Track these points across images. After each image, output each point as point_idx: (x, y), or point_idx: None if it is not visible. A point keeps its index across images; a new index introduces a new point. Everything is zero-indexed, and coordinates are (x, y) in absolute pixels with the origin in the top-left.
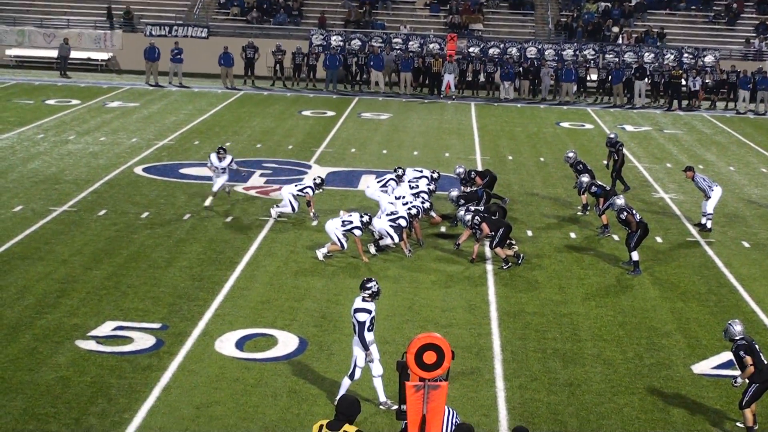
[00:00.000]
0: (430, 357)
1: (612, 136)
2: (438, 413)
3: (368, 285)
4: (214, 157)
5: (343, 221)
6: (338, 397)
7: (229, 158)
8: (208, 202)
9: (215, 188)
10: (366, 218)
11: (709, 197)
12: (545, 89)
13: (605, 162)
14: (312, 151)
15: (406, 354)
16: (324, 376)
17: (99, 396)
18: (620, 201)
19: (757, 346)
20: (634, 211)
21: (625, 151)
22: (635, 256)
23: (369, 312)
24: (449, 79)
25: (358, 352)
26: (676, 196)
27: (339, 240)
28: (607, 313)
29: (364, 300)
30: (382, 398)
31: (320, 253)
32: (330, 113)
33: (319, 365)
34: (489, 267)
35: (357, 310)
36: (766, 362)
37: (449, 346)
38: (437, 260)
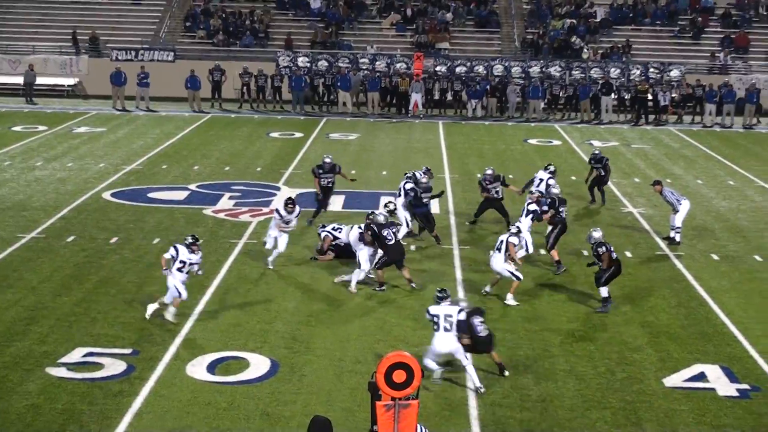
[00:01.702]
0: (399, 376)
1: (596, 152)
2: None
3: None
4: (282, 209)
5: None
6: (311, 419)
7: (298, 209)
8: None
9: (282, 247)
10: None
11: (677, 211)
12: (512, 106)
13: (587, 178)
14: (281, 173)
15: (376, 374)
16: (296, 397)
17: (70, 423)
18: (597, 234)
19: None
20: (611, 248)
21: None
22: (604, 292)
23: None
24: (416, 98)
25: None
26: (644, 210)
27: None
28: (578, 328)
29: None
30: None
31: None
32: (298, 134)
33: (291, 387)
34: (459, 286)
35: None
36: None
37: (419, 365)
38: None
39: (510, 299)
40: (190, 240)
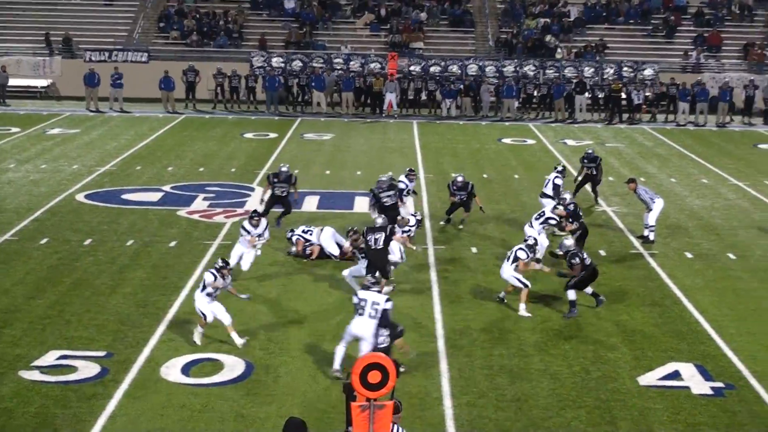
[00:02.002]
0: (374, 377)
1: (590, 151)
2: None
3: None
4: (247, 224)
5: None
6: (285, 421)
7: (264, 222)
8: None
9: (246, 266)
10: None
11: (651, 209)
12: (486, 106)
13: (578, 177)
14: (255, 174)
15: (351, 374)
16: (271, 399)
17: (44, 427)
18: (568, 242)
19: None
20: (584, 256)
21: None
22: (572, 295)
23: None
24: (391, 98)
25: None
26: (618, 208)
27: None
28: (553, 327)
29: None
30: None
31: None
32: (272, 135)
33: (265, 388)
34: (434, 286)
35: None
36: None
37: (394, 365)
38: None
39: (522, 310)
40: (220, 263)
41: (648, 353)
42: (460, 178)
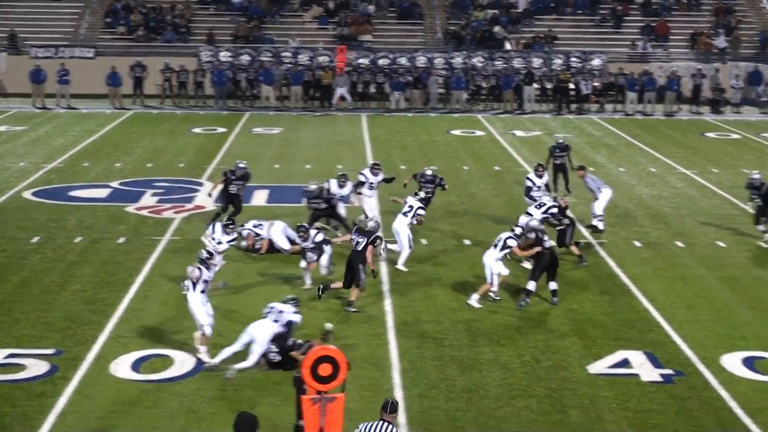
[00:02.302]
0: (325, 369)
1: (561, 141)
2: (335, 425)
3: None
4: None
5: None
6: (236, 415)
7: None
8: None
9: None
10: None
11: (597, 198)
12: (434, 98)
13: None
14: (204, 169)
15: (302, 368)
16: (222, 394)
17: None
18: (534, 222)
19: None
20: (546, 239)
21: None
22: (532, 286)
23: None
24: (342, 92)
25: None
26: (568, 199)
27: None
28: (503, 317)
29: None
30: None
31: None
32: (221, 129)
33: (216, 383)
34: (385, 278)
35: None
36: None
37: (344, 358)
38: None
39: (474, 300)
40: (204, 255)
41: (598, 342)
42: (429, 171)
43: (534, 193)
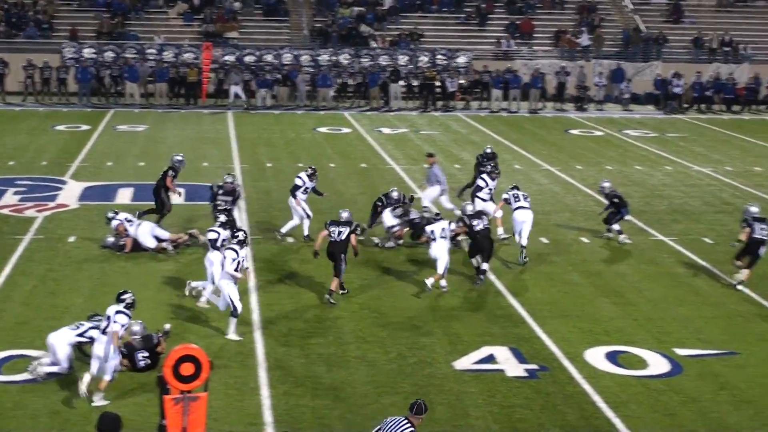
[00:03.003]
0: (187, 369)
1: (488, 150)
2: (199, 425)
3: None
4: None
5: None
6: (99, 415)
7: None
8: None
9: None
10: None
11: (429, 188)
12: (302, 95)
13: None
14: (67, 167)
15: (164, 367)
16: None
17: None
18: (470, 207)
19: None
20: (476, 224)
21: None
22: (475, 262)
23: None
24: (237, 90)
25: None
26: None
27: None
28: (370, 315)
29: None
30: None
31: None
32: (85, 127)
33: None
34: (250, 275)
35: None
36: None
37: (207, 357)
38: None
39: (429, 283)
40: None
41: (463, 338)
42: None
43: (481, 194)
